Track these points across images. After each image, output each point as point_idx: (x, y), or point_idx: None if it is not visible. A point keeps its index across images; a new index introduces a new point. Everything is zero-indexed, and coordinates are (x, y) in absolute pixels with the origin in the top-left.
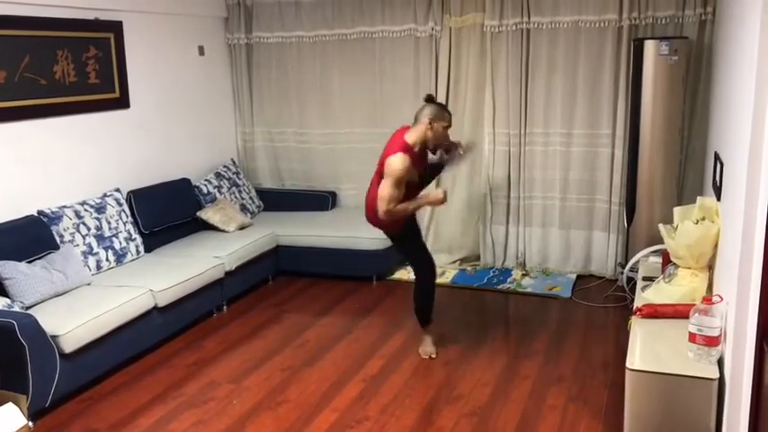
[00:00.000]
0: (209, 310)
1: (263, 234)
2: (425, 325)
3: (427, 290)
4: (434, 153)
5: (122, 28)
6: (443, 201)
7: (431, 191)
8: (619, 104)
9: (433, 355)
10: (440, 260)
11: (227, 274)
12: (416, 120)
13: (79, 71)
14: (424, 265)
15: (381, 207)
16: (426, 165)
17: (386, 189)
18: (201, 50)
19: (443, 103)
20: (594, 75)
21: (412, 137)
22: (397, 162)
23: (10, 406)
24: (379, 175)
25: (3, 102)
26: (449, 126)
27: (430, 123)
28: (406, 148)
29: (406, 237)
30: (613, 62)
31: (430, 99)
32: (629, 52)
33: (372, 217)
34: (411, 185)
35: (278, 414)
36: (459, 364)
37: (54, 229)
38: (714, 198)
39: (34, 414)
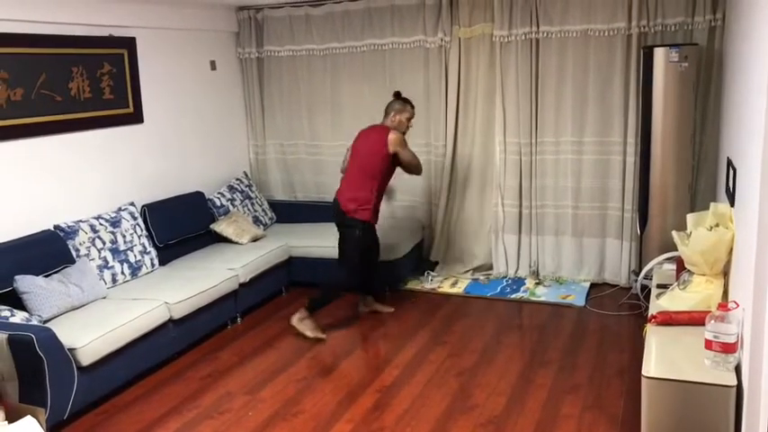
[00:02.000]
0: (224, 322)
1: (275, 246)
2: (310, 310)
3: (333, 288)
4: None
5: (135, 44)
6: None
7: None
8: (630, 112)
9: (309, 334)
10: (453, 270)
11: (241, 285)
12: (386, 113)
13: (94, 87)
14: (350, 272)
15: (418, 167)
16: None
17: (407, 155)
18: (213, 65)
19: (407, 99)
20: (604, 82)
21: (386, 123)
22: (396, 136)
23: (29, 419)
24: (361, 169)
25: (20, 118)
26: (411, 118)
27: (395, 115)
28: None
29: (360, 237)
30: (623, 70)
31: (398, 95)
32: (639, 60)
33: (349, 203)
34: (386, 171)
35: (293, 425)
36: (473, 374)
37: (70, 243)
38: (727, 204)
39: (52, 427)
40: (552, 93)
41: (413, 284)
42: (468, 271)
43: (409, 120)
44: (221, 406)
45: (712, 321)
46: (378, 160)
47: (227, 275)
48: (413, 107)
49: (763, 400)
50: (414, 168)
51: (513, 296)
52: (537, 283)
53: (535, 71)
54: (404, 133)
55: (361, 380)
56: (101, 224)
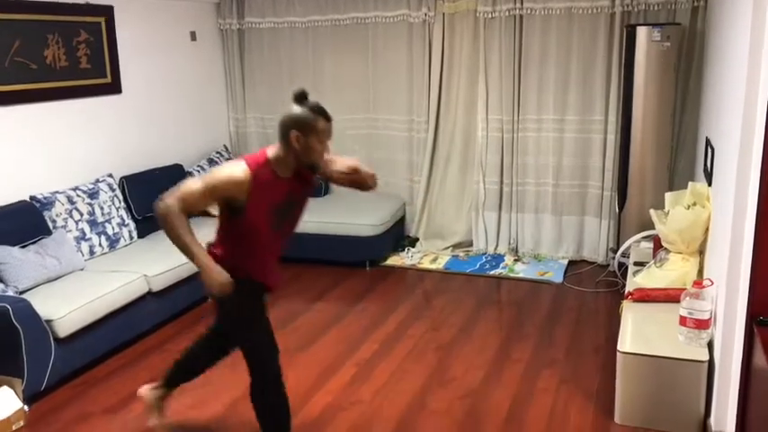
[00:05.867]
0: (203, 296)
1: None
2: None
3: (273, 391)
4: (315, 172)
5: (113, 12)
6: (222, 287)
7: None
8: (611, 90)
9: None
10: (433, 246)
11: None
12: (280, 131)
13: (70, 56)
14: (263, 348)
15: (167, 198)
16: (292, 197)
17: (189, 183)
18: (193, 36)
19: (318, 105)
20: (587, 61)
21: (272, 151)
22: (226, 167)
23: (5, 389)
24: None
25: None
26: (327, 137)
27: (297, 139)
28: (259, 163)
29: (238, 301)
30: (606, 48)
31: (300, 98)
32: (622, 38)
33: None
34: (258, 223)
35: None
36: (451, 348)
37: (46, 214)
38: (705, 183)
39: (29, 398)
40: (535, 70)
41: (393, 260)
42: (448, 247)
43: (323, 141)
44: (200, 378)
45: (687, 298)
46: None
47: (207, 249)
48: (328, 119)
49: (734, 374)
50: (167, 196)
51: (493, 272)
52: (516, 260)
53: (518, 48)
54: (317, 164)
55: (341, 354)
56: (78, 195)
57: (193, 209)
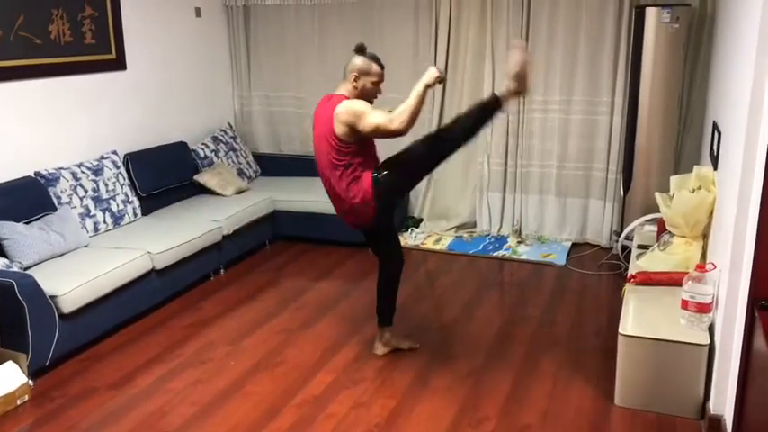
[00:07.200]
0: (207, 274)
1: (260, 199)
2: (387, 324)
3: (394, 282)
4: None
5: None
6: (439, 76)
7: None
8: (618, 72)
9: (415, 345)
10: (436, 227)
11: (225, 237)
12: (345, 74)
13: (75, 31)
14: (398, 255)
15: (396, 126)
16: None
17: (375, 119)
18: (198, 12)
19: (374, 55)
20: (595, 42)
21: (343, 89)
22: (352, 102)
23: (10, 364)
24: (318, 160)
25: None
26: (379, 81)
27: (355, 79)
28: (349, 99)
29: (383, 224)
30: (614, 29)
31: (360, 50)
32: (631, 19)
33: (348, 209)
34: (356, 143)
35: (275, 374)
36: (453, 329)
37: (51, 190)
38: (711, 167)
39: (34, 372)
40: (542, 51)
41: None
42: (451, 228)
43: (377, 83)
44: (203, 355)
45: (690, 282)
46: (326, 147)
47: (211, 227)
48: (381, 66)
49: (734, 359)
50: (393, 131)
51: (496, 254)
52: (519, 242)
53: (526, 28)
54: (371, 102)
55: (344, 332)
56: (82, 172)
57: (388, 115)
